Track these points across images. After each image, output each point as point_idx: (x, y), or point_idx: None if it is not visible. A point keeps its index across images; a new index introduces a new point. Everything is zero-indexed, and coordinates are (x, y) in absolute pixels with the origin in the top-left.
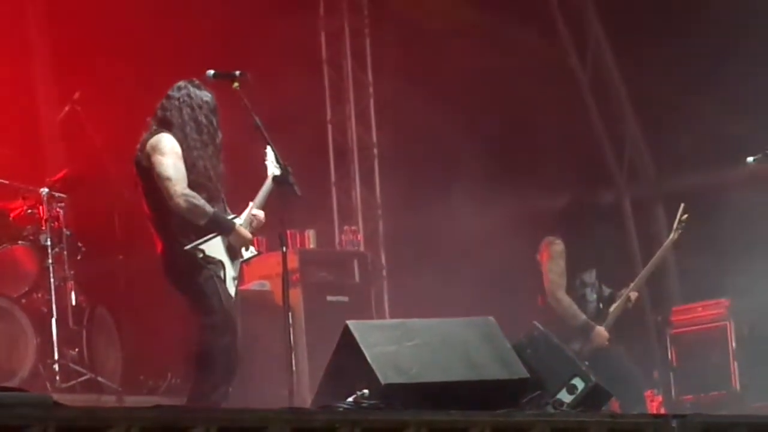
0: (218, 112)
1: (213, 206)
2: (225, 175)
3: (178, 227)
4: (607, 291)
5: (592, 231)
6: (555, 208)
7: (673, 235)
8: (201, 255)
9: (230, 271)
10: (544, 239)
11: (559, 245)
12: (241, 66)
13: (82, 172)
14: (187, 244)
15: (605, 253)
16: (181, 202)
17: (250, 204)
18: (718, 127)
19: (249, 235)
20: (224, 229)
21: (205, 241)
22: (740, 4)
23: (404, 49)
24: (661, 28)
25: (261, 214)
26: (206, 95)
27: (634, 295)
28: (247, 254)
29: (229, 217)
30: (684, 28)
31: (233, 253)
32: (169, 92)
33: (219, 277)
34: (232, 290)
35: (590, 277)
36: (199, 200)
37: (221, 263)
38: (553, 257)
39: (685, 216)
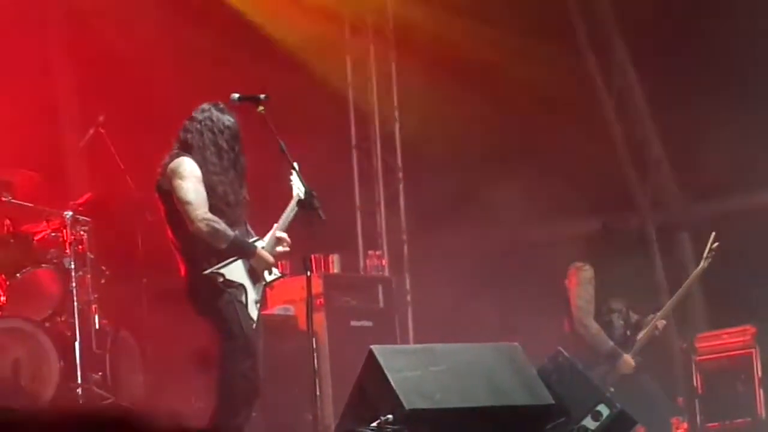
0: (241, 137)
1: (234, 229)
2: (248, 200)
3: (200, 251)
4: (634, 318)
5: (619, 258)
6: (583, 233)
7: (703, 264)
8: (221, 279)
9: (252, 295)
10: (573, 264)
11: (588, 271)
12: (265, 90)
13: (106, 196)
14: (207, 268)
15: (632, 280)
16: (202, 226)
17: (274, 226)
18: (744, 152)
19: (271, 259)
20: (246, 252)
21: (225, 265)
22: None
23: (429, 71)
24: (688, 52)
25: (285, 236)
26: (229, 119)
27: (661, 323)
28: (270, 277)
29: (252, 240)
30: (712, 52)
31: (255, 276)
32: (193, 114)
33: (240, 301)
34: (254, 314)
35: (617, 303)
36: (221, 224)
37: (242, 287)
38: (581, 283)
39: (716, 245)
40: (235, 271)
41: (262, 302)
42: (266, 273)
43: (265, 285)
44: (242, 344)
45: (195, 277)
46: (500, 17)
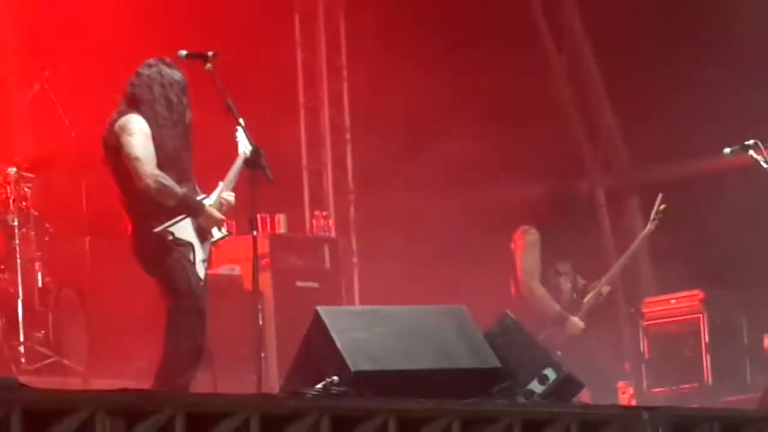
0: (189, 92)
1: (182, 187)
2: (194, 155)
3: (148, 208)
4: (581, 282)
5: (566, 221)
6: (529, 196)
7: (650, 226)
8: (170, 237)
9: (200, 254)
10: (519, 228)
11: (533, 234)
12: (212, 46)
13: (51, 152)
14: (156, 226)
15: (579, 244)
16: (150, 182)
17: (220, 184)
18: (693, 117)
19: (220, 216)
20: (194, 210)
21: (175, 223)
22: None
23: (379, 32)
24: (639, 16)
25: (232, 196)
26: (177, 74)
27: (606, 288)
28: (217, 235)
29: (199, 197)
30: (661, 19)
31: (203, 234)
32: (139, 69)
33: (188, 259)
34: (201, 273)
35: (564, 266)
36: (169, 181)
37: (191, 245)
38: (527, 247)
39: (663, 207)
40: (184, 229)
41: (209, 261)
42: (215, 230)
43: (213, 243)
44: (190, 303)
45: (143, 235)
46: None
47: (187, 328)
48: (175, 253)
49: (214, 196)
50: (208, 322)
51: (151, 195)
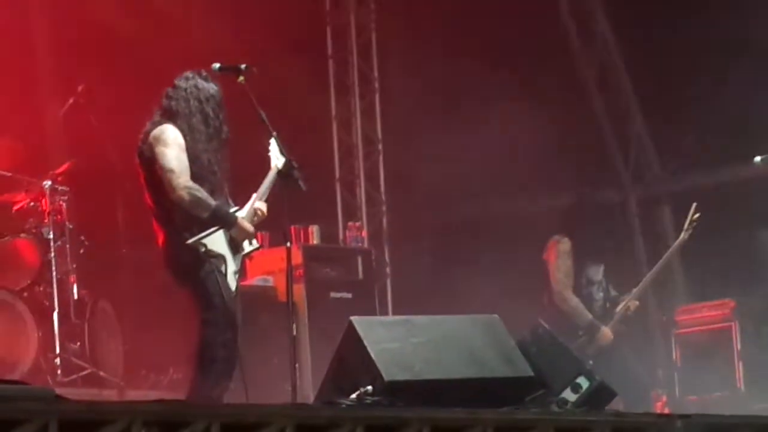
0: (224, 105)
1: (215, 199)
2: (229, 168)
3: (181, 220)
4: (613, 293)
5: (598, 230)
6: (561, 206)
7: (683, 235)
8: (203, 249)
9: (231, 266)
10: (552, 238)
11: (566, 244)
12: (246, 60)
13: (86, 165)
14: (189, 238)
15: (611, 253)
16: (184, 194)
17: (253, 196)
18: (725, 125)
19: (251, 229)
20: (227, 222)
21: (208, 235)
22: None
23: (411, 43)
24: (669, 24)
25: (264, 206)
26: (213, 88)
27: (633, 304)
28: (248, 248)
29: (232, 209)
30: (692, 25)
31: (235, 247)
32: (176, 81)
33: (220, 271)
34: (233, 285)
35: (597, 274)
36: (202, 193)
37: (223, 257)
38: (560, 256)
39: (697, 216)
40: (217, 241)
41: (241, 273)
42: (246, 243)
43: (244, 256)
44: (223, 315)
45: (175, 247)
46: None
47: (220, 339)
48: (208, 265)
49: (246, 208)
50: (240, 334)
51: (185, 207)
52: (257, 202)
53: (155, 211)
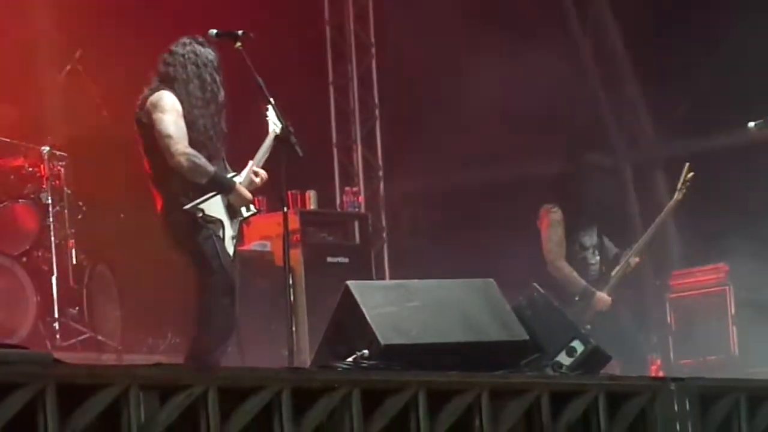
0: (221, 71)
1: (213, 165)
2: (226, 133)
3: (179, 186)
4: (613, 251)
5: (592, 194)
6: (554, 171)
7: (677, 195)
8: (200, 214)
9: (229, 231)
10: (543, 207)
11: (556, 213)
12: (242, 26)
13: (84, 131)
14: (187, 203)
15: (606, 217)
16: (182, 160)
17: (250, 162)
18: (718, 90)
19: (249, 195)
20: (225, 188)
21: (205, 200)
22: None
23: (407, 10)
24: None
25: (263, 172)
26: (210, 53)
27: (634, 260)
28: (246, 213)
29: (229, 175)
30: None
31: (232, 212)
32: (173, 47)
33: (218, 236)
34: (230, 250)
35: (590, 239)
36: (201, 159)
37: (221, 222)
38: (551, 224)
39: (690, 175)
40: (214, 206)
41: (239, 238)
42: (243, 209)
43: (242, 221)
44: (221, 279)
45: (173, 212)
46: None
47: (218, 304)
48: (205, 230)
49: (244, 174)
50: (238, 298)
51: (183, 173)
52: (255, 167)
53: (153, 177)
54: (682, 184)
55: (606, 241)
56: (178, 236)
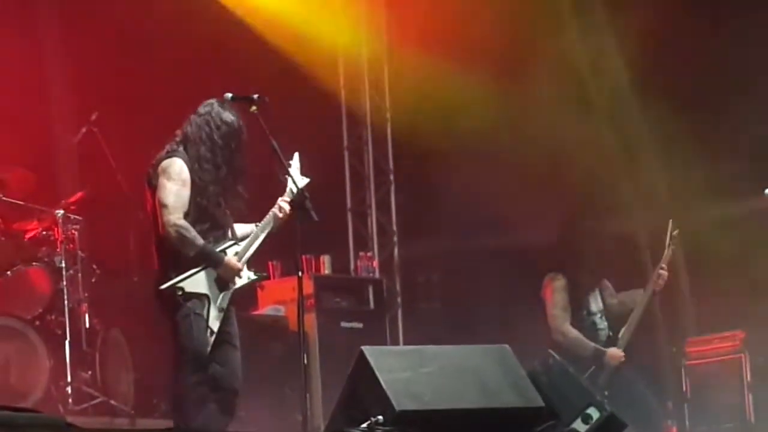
0: (241, 135)
1: (215, 233)
2: (246, 198)
3: (169, 254)
4: (614, 301)
5: (590, 261)
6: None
7: (667, 251)
8: (180, 293)
9: (217, 304)
10: (547, 276)
11: (560, 280)
12: (259, 90)
13: (98, 194)
14: (173, 275)
15: (615, 282)
16: (171, 231)
17: (253, 228)
18: (733, 158)
19: (239, 266)
20: (213, 262)
21: (185, 278)
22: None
23: (421, 76)
24: (679, 58)
25: (286, 205)
26: (229, 116)
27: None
28: (240, 282)
29: (224, 246)
30: (689, 67)
31: (222, 284)
32: (199, 108)
33: (197, 314)
34: (215, 324)
35: (596, 304)
36: (190, 232)
37: (206, 297)
38: (555, 290)
39: (676, 231)
40: (199, 282)
41: (230, 312)
42: (244, 276)
43: (254, 281)
44: (191, 359)
45: (158, 283)
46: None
47: (189, 380)
48: (184, 309)
49: (243, 243)
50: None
51: (171, 243)
52: (280, 200)
53: (155, 241)
54: (670, 240)
55: (607, 295)
56: (161, 307)
